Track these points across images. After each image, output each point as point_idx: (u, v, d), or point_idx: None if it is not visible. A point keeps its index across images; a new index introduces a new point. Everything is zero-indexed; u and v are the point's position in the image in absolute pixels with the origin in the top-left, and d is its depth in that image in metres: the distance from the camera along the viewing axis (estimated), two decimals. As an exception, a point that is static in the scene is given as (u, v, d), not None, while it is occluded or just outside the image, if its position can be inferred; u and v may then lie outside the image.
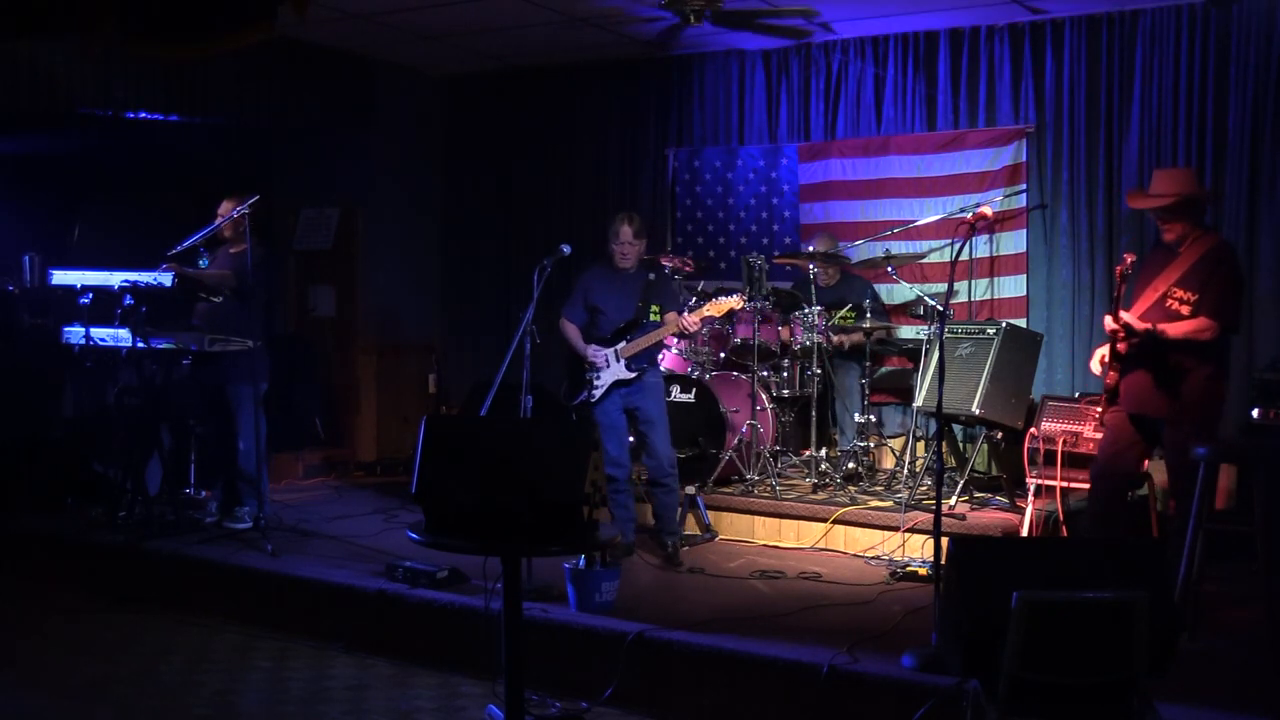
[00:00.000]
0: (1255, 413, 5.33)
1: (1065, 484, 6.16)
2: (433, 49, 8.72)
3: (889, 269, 7.39)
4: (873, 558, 6.35)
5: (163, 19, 4.90)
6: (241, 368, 6.57)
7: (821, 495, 6.89)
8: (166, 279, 6.37)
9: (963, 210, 7.40)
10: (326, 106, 8.98)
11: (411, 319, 9.68)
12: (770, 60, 8.45)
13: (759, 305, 7.08)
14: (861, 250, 7.83)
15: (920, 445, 7.24)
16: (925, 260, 7.69)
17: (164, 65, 7.64)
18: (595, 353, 6.09)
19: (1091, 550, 3.65)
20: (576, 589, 5.16)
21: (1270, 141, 6.79)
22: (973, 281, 7.61)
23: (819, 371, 7.10)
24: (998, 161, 7.60)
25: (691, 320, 6.04)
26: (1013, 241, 7.57)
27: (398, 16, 7.81)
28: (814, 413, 7.12)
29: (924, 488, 6.75)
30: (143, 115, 7.83)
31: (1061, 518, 6.23)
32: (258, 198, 6.50)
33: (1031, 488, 6.34)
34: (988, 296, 7.64)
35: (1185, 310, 5.10)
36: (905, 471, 6.99)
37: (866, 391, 7.29)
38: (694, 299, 7.03)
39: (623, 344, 6.08)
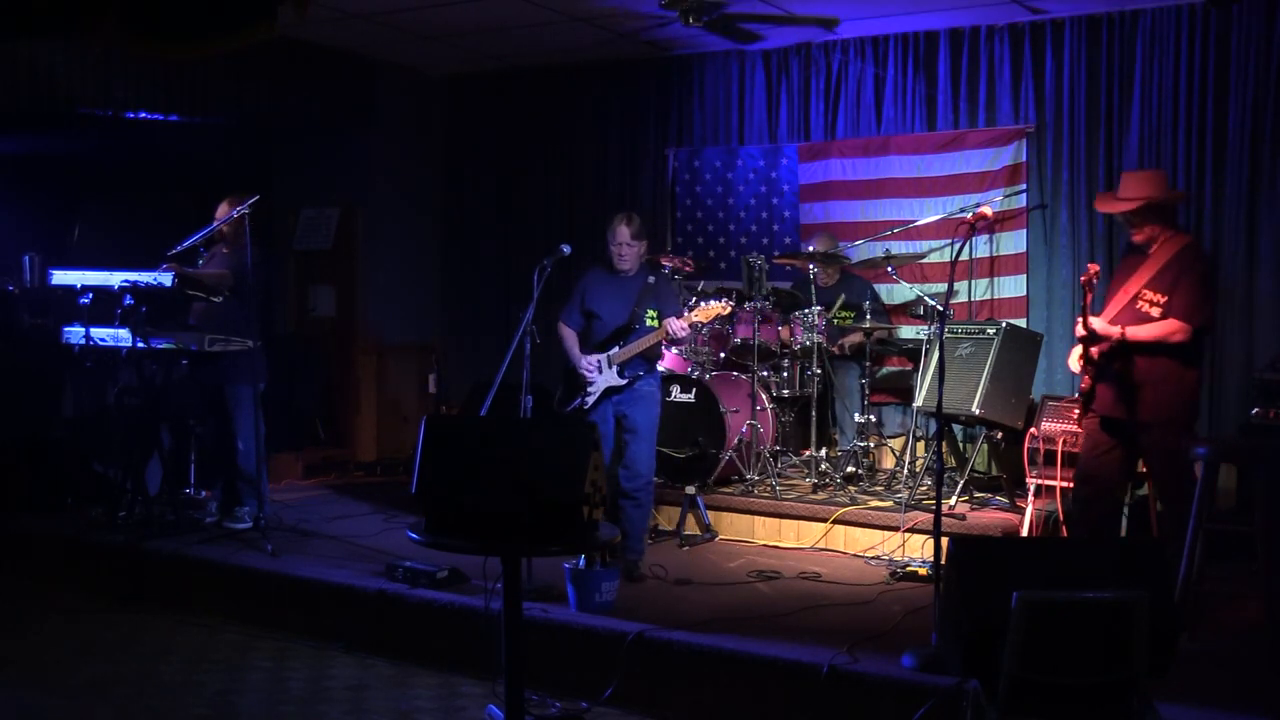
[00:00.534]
0: (1255, 412, 5.31)
1: (1065, 484, 6.14)
2: (433, 49, 8.72)
3: (889, 269, 7.39)
4: (873, 558, 6.35)
5: (163, 19, 4.90)
6: (240, 368, 6.56)
7: (821, 495, 6.89)
8: (167, 279, 6.35)
9: (963, 210, 7.40)
10: (326, 106, 8.98)
11: (411, 319, 9.67)
12: (770, 60, 8.44)
13: (759, 305, 7.08)
14: (861, 250, 7.83)
15: (920, 445, 7.24)
16: (925, 260, 7.69)
17: (164, 65, 7.63)
18: (587, 362, 5.91)
19: (1091, 550, 3.66)
20: (576, 589, 5.16)
21: (1270, 142, 6.79)
22: (973, 281, 7.61)
23: (819, 371, 7.10)
24: (998, 161, 7.60)
25: (679, 326, 5.82)
26: (1013, 241, 7.58)
27: (398, 16, 7.81)
28: (814, 413, 7.12)
29: (924, 488, 6.75)
30: (143, 115, 7.83)
31: (1061, 518, 6.24)
32: (258, 198, 6.50)
33: (1031, 488, 6.35)
34: (988, 296, 7.64)
35: (1155, 312, 5.11)
36: (905, 471, 6.99)
37: (866, 391, 7.29)
38: (693, 299, 7.02)
39: (615, 349, 5.89)
